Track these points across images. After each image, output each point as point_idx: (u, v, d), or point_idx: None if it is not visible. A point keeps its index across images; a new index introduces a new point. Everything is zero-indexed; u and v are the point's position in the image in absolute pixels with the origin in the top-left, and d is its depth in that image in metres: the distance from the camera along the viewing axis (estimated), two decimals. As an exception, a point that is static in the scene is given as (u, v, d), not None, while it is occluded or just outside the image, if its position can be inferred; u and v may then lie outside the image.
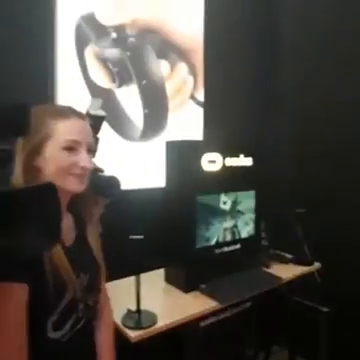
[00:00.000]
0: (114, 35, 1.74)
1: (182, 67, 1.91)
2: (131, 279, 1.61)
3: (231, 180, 1.63)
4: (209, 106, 1.98)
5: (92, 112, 1.06)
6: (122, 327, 1.27)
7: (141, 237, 1.30)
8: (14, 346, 0.73)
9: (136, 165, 1.79)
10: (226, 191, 1.64)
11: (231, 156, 1.63)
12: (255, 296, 1.54)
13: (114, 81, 1.74)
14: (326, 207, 2.03)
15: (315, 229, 1.92)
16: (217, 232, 1.63)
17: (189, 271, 1.54)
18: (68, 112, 0.85)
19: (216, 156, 1.57)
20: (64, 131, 0.81)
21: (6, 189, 0.47)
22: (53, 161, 0.80)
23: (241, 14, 2.18)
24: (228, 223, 1.67)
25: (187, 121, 1.94)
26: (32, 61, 1.46)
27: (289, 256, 1.87)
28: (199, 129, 1.98)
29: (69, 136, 0.81)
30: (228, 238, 1.67)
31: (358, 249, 1.92)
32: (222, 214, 1.64)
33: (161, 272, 1.68)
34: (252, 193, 1.76)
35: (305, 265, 1.82)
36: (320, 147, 2.11)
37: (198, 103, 1.95)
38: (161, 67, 1.84)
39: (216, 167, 1.58)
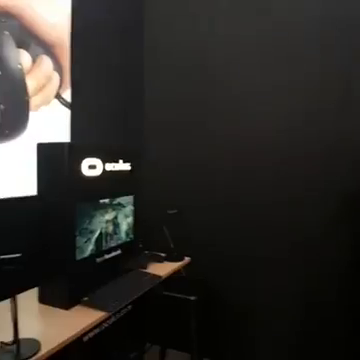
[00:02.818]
0: None
1: (47, 61, 1.71)
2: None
3: (111, 185, 1.61)
4: (77, 107, 1.86)
5: None
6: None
7: (18, 255, 1.13)
8: None
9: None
10: (106, 196, 1.61)
11: (111, 161, 1.60)
12: (137, 298, 1.57)
13: None
14: (194, 208, 2.27)
15: (186, 227, 2.11)
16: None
17: (70, 285, 1.42)
18: None
19: (97, 161, 1.52)
20: None
21: None
22: None
23: (109, 14, 2.14)
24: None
25: (52, 122, 1.76)
26: None
27: (163, 255, 1.99)
28: (66, 131, 1.83)
29: None
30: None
31: (219, 244, 2.23)
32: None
33: (30, 293, 1.48)
34: (131, 197, 1.78)
35: (176, 261, 1.98)
36: (189, 155, 2.32)
37: (65, 103, 1.80)
38: (21, 58, 1.60)
39: (97, 172, 1.52)
